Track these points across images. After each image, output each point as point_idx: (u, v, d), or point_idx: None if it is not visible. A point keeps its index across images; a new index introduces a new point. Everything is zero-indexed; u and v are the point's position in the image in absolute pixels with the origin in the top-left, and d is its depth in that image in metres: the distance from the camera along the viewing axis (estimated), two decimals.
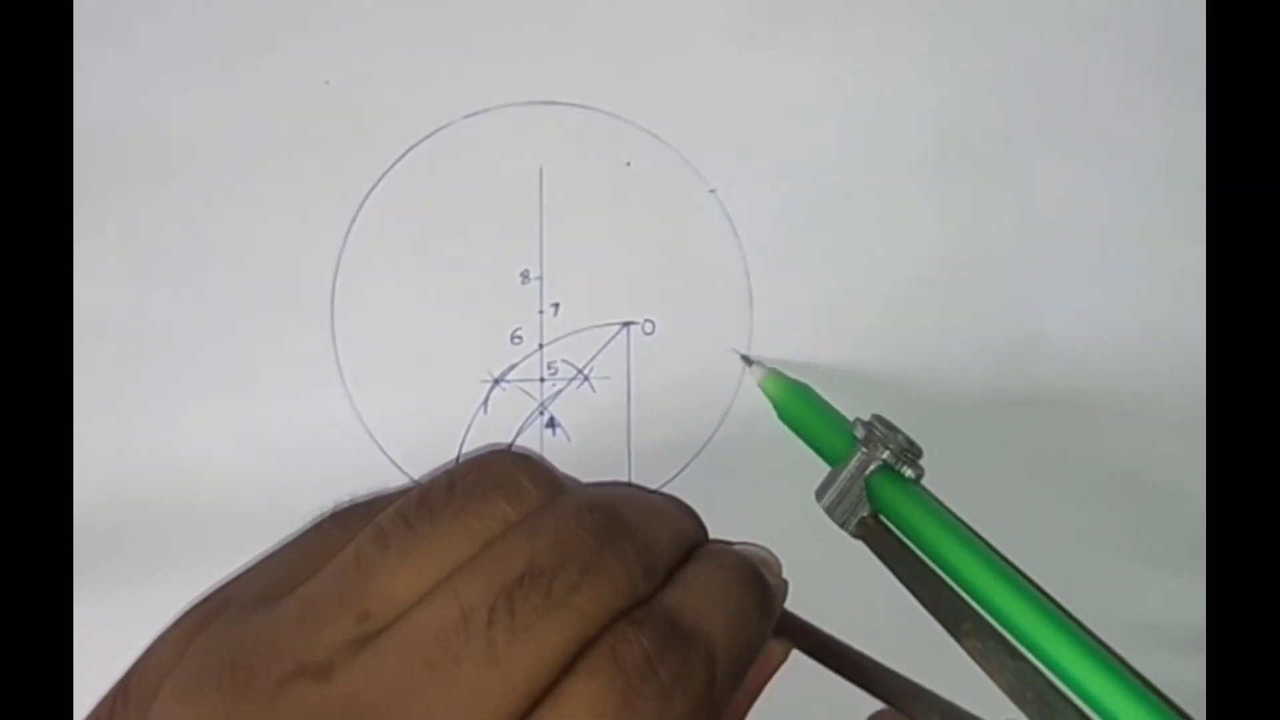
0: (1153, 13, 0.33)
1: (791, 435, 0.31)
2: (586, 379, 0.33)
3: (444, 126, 0.33)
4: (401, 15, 0.33)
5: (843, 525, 0.29)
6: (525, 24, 0.33)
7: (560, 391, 0.32)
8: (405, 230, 0.33)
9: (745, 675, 0.24)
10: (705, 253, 0.33)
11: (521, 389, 0.32)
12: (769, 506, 0.32)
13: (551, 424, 0.32)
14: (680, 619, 0.23)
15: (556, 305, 0.33)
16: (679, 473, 0.32)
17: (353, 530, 0.25)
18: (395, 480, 0.32)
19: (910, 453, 0.29)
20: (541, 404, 0.32)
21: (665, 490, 0.32)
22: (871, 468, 0.29)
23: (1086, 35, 0.33)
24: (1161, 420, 0.32)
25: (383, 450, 0.32)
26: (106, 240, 0.33)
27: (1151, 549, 0.32)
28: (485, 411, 0.32)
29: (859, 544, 0.30)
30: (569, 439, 0.33)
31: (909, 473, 0.29)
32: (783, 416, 0.31)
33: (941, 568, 0.28)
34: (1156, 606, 0.31)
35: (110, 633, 0.29)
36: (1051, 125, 0.33)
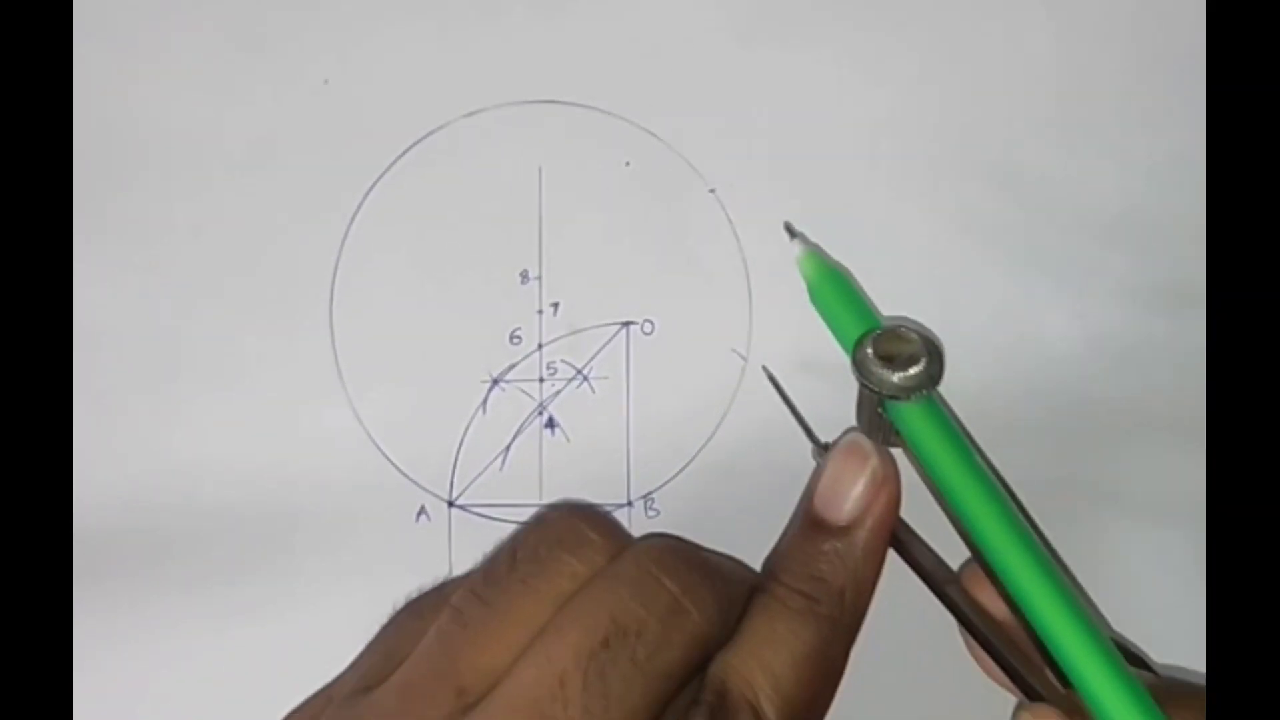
0: (1153, 13, 0.33)
1: (791, 434, 0.31)
2: (586, 379, 0.33)
3: (443, 126, 0.33)
4: (401, 15, 0.33)
5: (887, 444, 0.28)
6: (525, 24, 0.33)
7: (559, 392, 0.32)
8: (404, 230, 0.33)
9: (819, 705, 0.25)
10: (705, 253, 0.33)
11: (521, 389, 0.32)
12: (769, 507, 0.32)
13: (550, 424, 0.32)
14: (737, 690, 0.24)
15: (556, 305, 0.33)
16: (678, 473, 0.32)
17: (427, 618, 0.26)
18: (394, 480, 0.32)
19: (916, 375, 0.27)
20: (541, 404, 0.32)
21: (664, 491, 0.32)
22: (879, 396, 0.28)
23: (1086, 35, 0.33)
24: (1161, 422, 0.32)
25: (382, 451, 0.32)
26: (106, 240, 0.33)
27: (1151, 555, 0.32)
28: (484, 412, 0.32)
29: None
30: (568, 439, 0.32)
31: (915, 396, 0.27)
32: (813, 300, 0.30)
33: (943, 492, 0.27)
34: (1155, 609, 0.31)
35: (110, 636, 0.29)
36: (1052, 125, 0.33)
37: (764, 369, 0.32)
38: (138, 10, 0.33)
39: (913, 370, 0.27)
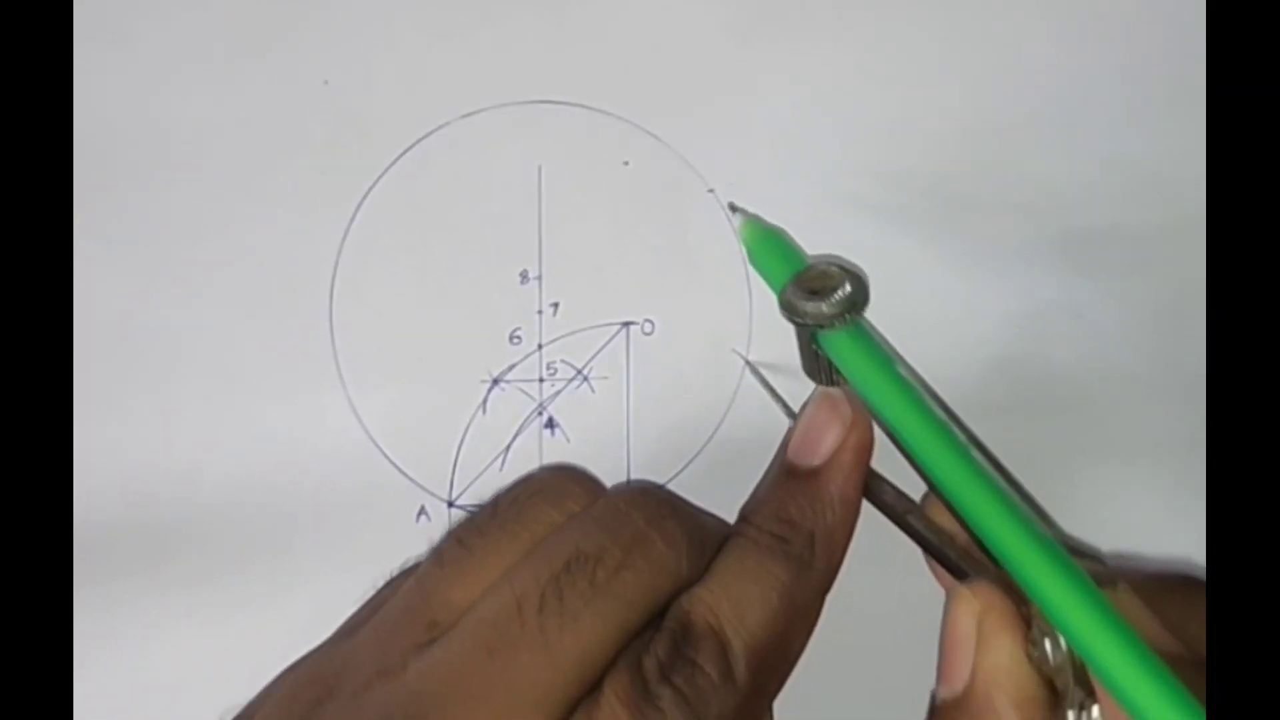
0: (1153, 13, 0.33)
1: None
2: (586, 379, 0.33)
3: (442, 126, 0.33)
4: (401, 15, 0.33)
5: (831, 384, 0.29)
6: (523, 24, 0.33)
7: (559, 392, 0.32)
8: (404, 230, 0.33)
9: (788, 649, 0.26)
10: (705, 253, 0.33)
11: (520, 389, 0.32)
12: None
13: (550, 424, 0.32)
14: (701, 618, 0.24)
15: (555, 305, 0.33)
16: (679, 473, 0.32)
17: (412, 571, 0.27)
18: (394, 480, 0.32)
19: (837, 301, 0.27)
20: (540, 404, 0.32)
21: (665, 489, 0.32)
22: (807, 331, 0.28)
23: (1086, 35, 0.33)
24: (1161, 425, 0.32)
25: (381, 451, 0.32)
26: (106, 240, 0.33)
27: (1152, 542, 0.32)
28: (484, 412, 0.32)
29: (859, 543, 0.30)
30: (568, 439, 0.33)
31: (840, 323, 0.27)
32: (752, 263, 0.31)
33: (878, 413, 0.27)
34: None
35: (110, 635, 0.29)
36: (1053, 124, 0.33)
37: (737, 353, 0.32)
38: (138, 10, 0.33)
39: (835, 297, 0.27)
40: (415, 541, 0.32)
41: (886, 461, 0.28)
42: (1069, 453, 0.32)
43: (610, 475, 0.32)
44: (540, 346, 0.33)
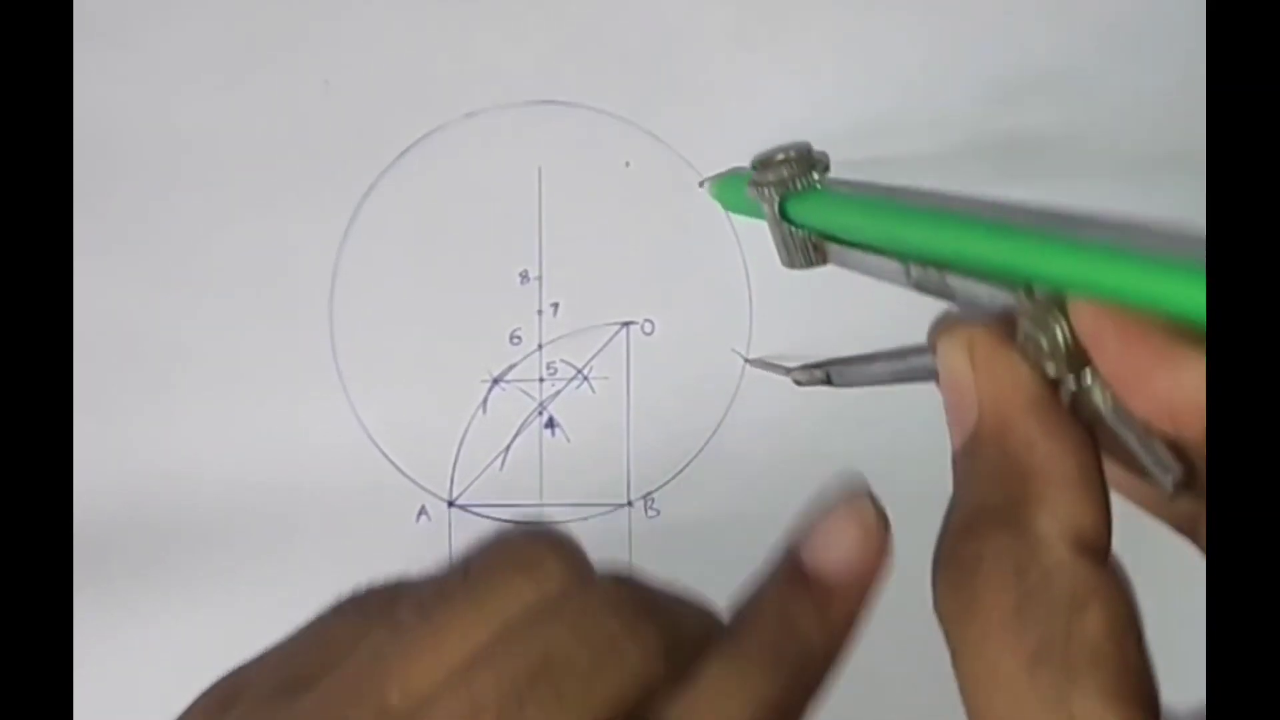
0: (1153, 12, 0.33)
1: (791, 434, 0.31)
2: (586, 379, 0.33)
3: (443, 126, 0.33)
4: (401, 15, 0.33)
5: (810, 266, 0.28)
6: (524, 24, 0.33)
7: (559, 392, 0.32)
8: (404, 230, 0.33)
9: None
10: (705, 253, 0.33)
11: (521, 389, 0.32)
12: (769, 507, 0.32)
13: (551, 424, 0.32)
14: None
15: (555, 305, 0.33)
16: (679, 473, 0.32)
17: (371, 617, 0.25)
18: (394, 480, 0.32)
19: (798, 162, 0.28)
20: (541, 404, 0.32)
21: (664, 491, 0.32)
22: (776, 201, 0.28)
23: (1086, 35, 0.33)
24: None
25: (381, 451, 0.32)
26: (106, 241, 0.33)
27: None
28: (484, 412, 0.32)
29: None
30: (568, 439, 0.32)
31: (805, 181, 0.28)
32: (724, 205, 0.31)
33: (866, 241, 0.27)
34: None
35: (110, 635, 0.29)
36: (1054, 125, 0.33)
37: (738, 354, 0.32)
38: (138, 10, 0.33)
39: (782, 157, 0.28)
40: (415, 541, 0.32)
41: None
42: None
43: (610, 475, 0.32)
44: (540, 346, 0.33)
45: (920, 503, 0.31)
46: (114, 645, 0.28)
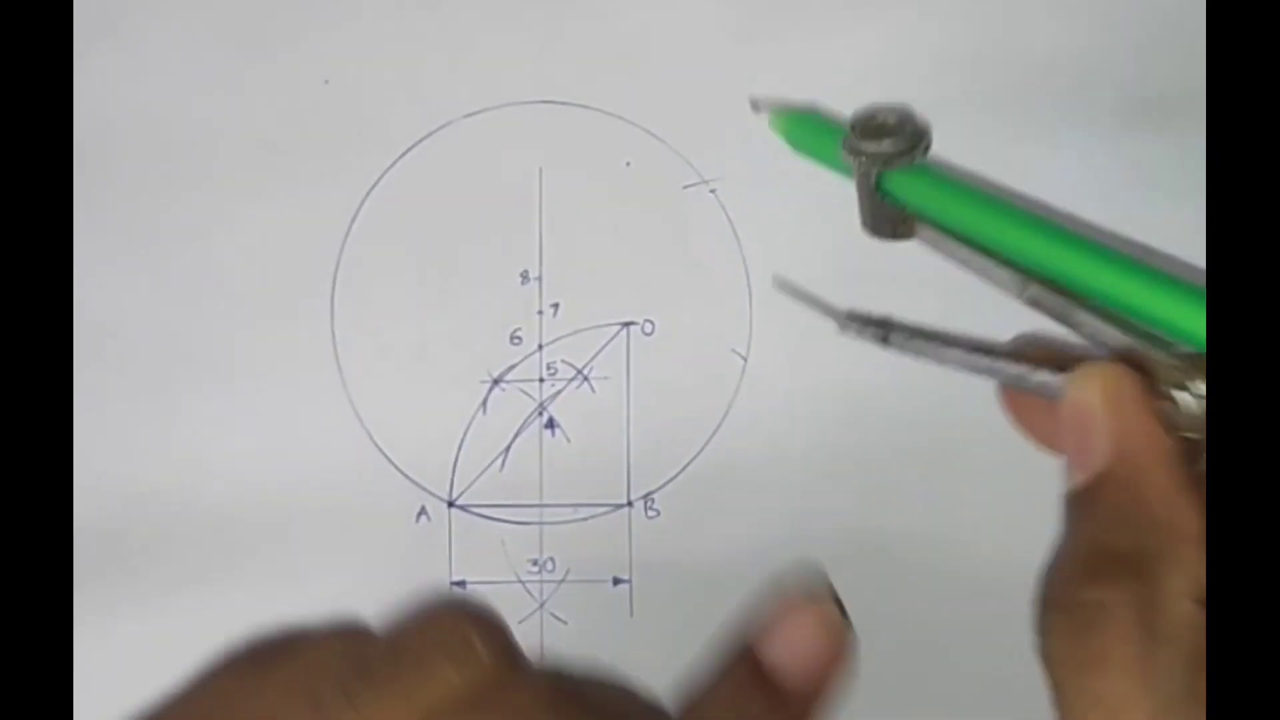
0: (1153, 12, 0.33)
1: (791, 434, 0.31)
2: (586, 379, 0.33)
3: (444, 126, 0.33)
4: (401, 15, 0.33)
5: (894, 239, 0.28)
6: (525, 24, 0.33)
7: (560, 392, 0.32)
8: (405, 230, 0.33)
9: None
10: (705, 253, 0.33)
11: (521, 389, 0.32)
12: (768, 507, 0.32)
13: (551, 424, 0.32)
14: None
15: (556, 305, 0.33)
16: (679, 473, 0.32)
17: (269, 676, 0.23)
18: (395, 480, 0.32)
19: (904, 135, 0.27)
20: (541, 404, 0.32)
21: (664, 491, 0.32)
22: (873, 173, 0.27)
23: (1086, 35, 0.33)
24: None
25: (382, 451, 0.32)
26: (106, 240, 0.33)
27: None
28: (484, 412, 0.32)
29: (860, 544, 0.30)
30: (568, 439, 0.32)
31: (908, 160, 0.27)
32: (798, 149, 0.30)
33: (978, 239, 0.26)
34: None
35: (111, 635, 0.29)
36: (1055, 124, 0.33)
37: (773, 277, 0.31)
38: (138, 10, 0.33)
39: (900, 133, 0.27)
40: (415, 542, 0.32)
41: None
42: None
43: (610, 475, 0.32)
44: (540, 347, 0.33)
45: (920, 502, 0.31)
46: (114, 644, 0.28)
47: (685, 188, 0.33)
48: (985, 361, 0.26)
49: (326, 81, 0.33)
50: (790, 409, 0.32)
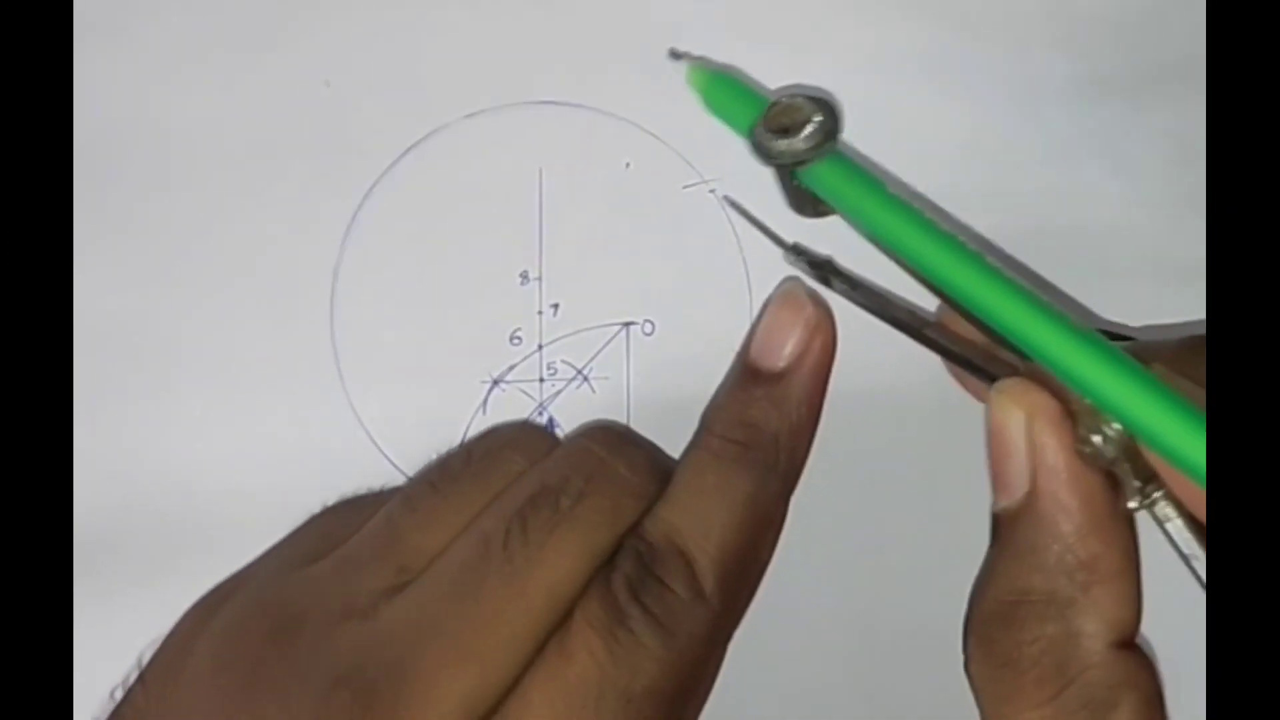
0: (1153, 12, 0.33)
1: None
2: (586, 379, 0.33)
3: (443, 127, 0.33)
4: (401, 15, 0.33)
5: (817, 217, 0.28)
6: (524, 24, 0.33)
7: (560, 392, 0.32)
8: (404, 230, 0.33)
9: (756, 559, 0.25)
10: (705, 253, 0.33)
11: (521, 390, 0.32)
12: None
13: (551, 425, 0.32)
14: (665, 537, 0.24)
15: (556, 306, 0.33)
16: None
17: (365, 513, 0.27)
18: (394, 480, 0.32)
19: (813, 132, 0.27)
20: (541, 404, 0.32)
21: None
22: (789, 167, 0.27)
23: (1087, 36, 0.33)
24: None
25: (382, 451, 0.32)
26: (106, 241, 0.33)
27: None
28: (484, 412, 0.32)
29: (855, 542, 0.30)
30: None
31: (818, 155, 0.27)
32: (710, 109, 0.30)
33: (876, 234, 0.26)
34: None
35: (111, 636, 0.29)
36: (1056, 127, 0.33)
37: (722, 196, 0.32)
38: (138, 10, 0.33)
39: (808, 131, 0.27)
40: None
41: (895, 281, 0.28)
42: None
43: None
44: (540, 347, 0.33)
45: (920, 503, 0.31)
46: (114, 645, 0.28)
47: (685, 188, 0.33)
48: (920, 334, 0.27)
49: (327, 82, 0.33)
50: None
